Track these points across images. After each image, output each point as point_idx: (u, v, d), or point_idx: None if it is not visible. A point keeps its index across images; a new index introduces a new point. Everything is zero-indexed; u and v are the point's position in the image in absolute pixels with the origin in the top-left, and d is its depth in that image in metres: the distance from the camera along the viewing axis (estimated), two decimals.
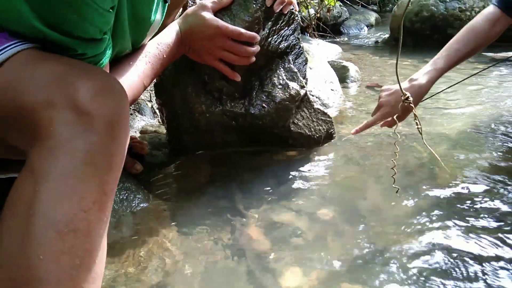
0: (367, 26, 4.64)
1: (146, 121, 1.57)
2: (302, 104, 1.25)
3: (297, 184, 1.12)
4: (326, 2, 2.74)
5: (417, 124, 0.91)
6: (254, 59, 1.07)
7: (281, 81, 1.19)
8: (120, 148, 0.57)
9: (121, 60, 0.88)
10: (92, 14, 0.60)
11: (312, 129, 1.27)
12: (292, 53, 1.24)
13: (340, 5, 3.73)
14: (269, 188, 1.10)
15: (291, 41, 1.21)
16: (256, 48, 1.06)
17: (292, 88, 1.19)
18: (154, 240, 0.89)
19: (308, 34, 3.05)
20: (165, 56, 0.96)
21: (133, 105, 1.60)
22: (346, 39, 3.86)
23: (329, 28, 3.58)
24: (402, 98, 0.86)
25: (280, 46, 1.19)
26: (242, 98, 1.18)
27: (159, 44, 0.96)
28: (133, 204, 0.98)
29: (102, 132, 0.53)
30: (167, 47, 0.96)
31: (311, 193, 1.07)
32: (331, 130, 1.32)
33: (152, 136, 1.39)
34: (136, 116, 1.58)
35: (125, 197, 0.98)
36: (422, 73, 1.20)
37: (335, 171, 1.18)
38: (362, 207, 1.01)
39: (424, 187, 1.07)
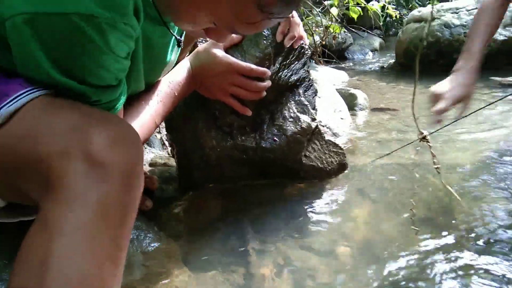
0: (372, 51, 4.67)
1: (155, 153, 1.56)
2: (313, 136, 1.24)
3: (310, 219, 1.10)
4: (332, 30, 2.77)
5: (434, 164, 0.89)
6: (265, 93, 1.06)
7: (292, 114, 1.18)
8: (134, 198, 0.56)
9: (133, 98, 0.88)
10: (109, 62, 0.60)
11: (324, 161, 1.25)
12: (302, 85, 1.24)
13: (344, 31, 3.77)
14: (281, 224, 1.08)
15: (301, 74, 1.21)
16: (267, 83, 1.06)
17: (304, 121, 1.18)
18: (166, 283, 0.86)
19: (314, 61, 3.07)
20: (176, 94, 0.96)
21: None
22: (351, 64, 3.88)
23: (334, 54, 3.61)
24: (419, 136, 0.84)
25: (290, 79, 1.19)
26: (253, 132, 1.18)
27: (170, 82, 0.96)
28: (143, 244, 0.96)
29: (116, 182, 0.53)
30: (179, 85, 0.97)
31: (325, 229, 1.05)
32: (344, 161, 1.31)
33: (162, 169, 1.38)
34: (145, 148, 1.57)
35: (135, 237, 0.96)
36: (463, 61, 1.20)
37: (349, 205, 1.15)
38: (379, 245, 0.98)
39: (441, 223, 1.04)
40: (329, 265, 0.91)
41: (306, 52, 1.21)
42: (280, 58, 1.15)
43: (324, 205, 1.16)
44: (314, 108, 1.24)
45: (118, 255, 0.53)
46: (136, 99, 0.89)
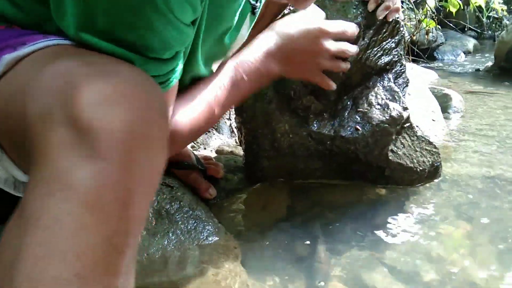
0: (464, 53, 4.26)
1: (223, 140, 1.47)
2: (403, 130, 1.07)
3: (391, 232, 0.94)
4: (425, 24, 2.51)
5: None
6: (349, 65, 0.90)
7: (379, 101, 1.02)
8: (143, 181, 0.40)
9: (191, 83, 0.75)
10: (162, 25, 0.48)
11: (415, 160, 1.07)
12: (393, 71, 1.06)
13: (437, 29, 3.45)
14: (356, 233, 0.93)
15: (393, 56, 1.04)
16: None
17: (394, 109, 1.01)
18: (220, 284, 0.76)
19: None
20: (247, 78, 0.78)
21: None
22: (440, 65, 3.55)
23: (423, 53, 3.32)
24: None
25: (380, 61, 1.02)
26: (331, 119, 1.03)
27: (238, 63, 0.78)
28: (201, 237, 0.86)
29: (111, 158, 0.37)
30: (250, 67, 0.78)
31: (408, 247, 0.88)
32: (438, 163, 1.11)
33: (228, 157, 1.28)
34: (214, 134, 1.49)
35: (193, 227, 0.87)
36: None
37: (438, 223, 0.97)
38: (473, 275, 0.80)
39: None
40: None
41: (401, 29, 1.03)
42: (371, 31, 0.99)
43: (408, 218, 1.00)
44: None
45: (114, 260, 0.38)
46: (193, 82, 0.75)
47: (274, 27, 0.83)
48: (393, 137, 1.03)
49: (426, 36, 2.86)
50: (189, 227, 0.87)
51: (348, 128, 1.01)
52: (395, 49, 1.04)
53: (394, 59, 1.05)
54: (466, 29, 4.83)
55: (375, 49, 1.01)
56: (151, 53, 0.50)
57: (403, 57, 1.08)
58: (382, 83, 1.04)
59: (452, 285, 0.77)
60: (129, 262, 0.41)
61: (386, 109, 1.01)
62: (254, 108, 1.04)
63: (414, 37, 2.70)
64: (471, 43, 4.49)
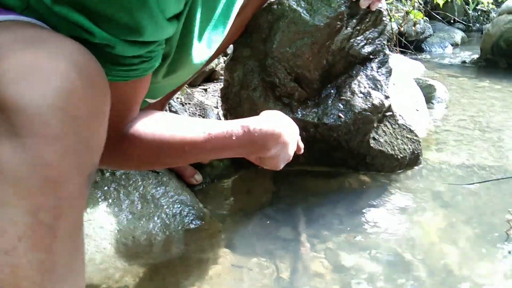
0: (452, 45, 4.29)
1: None
2: (384, 118, 1.09)
3: (372, 218, 0.96)
4: (413, 16, 2.53)
5: None
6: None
7: (362, 89, 1.04)
8: (67, 157, 0.38)
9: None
10: (141, 12, 0.46)
11: (396, 148, 1.10)
12: (376, 60, 1.08)
13: (425, 21, 3.47)
14: (339, 219, 0.96)
15: (376, 45, 1.06)
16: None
17: (376, 97, 1.04)
18: (204, 265, 0.78)
19: (388, 49, 2.86)
20: (210, 134, 0.67)
21: (198, 110, 1.52)
22: (428, 56, 3.58)
23: (410, 44, 3.35)
24: None
25: (363, 50, 1.04)
26: (315, 106, 1.05)
27: (245, 125, 0.72)
28: (186, 221, 0.88)
29: (32, 134, 0.36)
30: (217, 127, 0.69)
31: (388, 232, 0.91)
32: (418, 151, 1.14)
33: None
34: None
35: (178, 212, 0.88)
36: None
37: (418, 208, 1.00)
38: (452, 261, 0.83)
39: None
40: (390, 273, 0.78)
41: (384, 19, 1.05)
42: (354, 20, 1.01)
43: (389, 204, 1.02)
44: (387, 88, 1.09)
45: (46, 237, 0.36)
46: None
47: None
48: (375, 124, 1.06)
49: (413, 28, 2.88)
50: (174, 211, 0.88)
51: (331, 116, 1.03)
52: (378, 39, 1.06)
53: (377, 48, 1.06)
54: (452, 21, 4.86)
55: (359, 38, 1.03)
56: (119, 32, 0.48)
57: (386, 46, 1.10)
58: (365, 72, 1.06)
59: (429, 269, 0.79)
60: (72, 255, 0.39)
61: (368, 97, 1.03)
62: (239, 95, 1.05)
63: (402, 29, 2.72)
64: (458, 35, 4.53)
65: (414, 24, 2.71)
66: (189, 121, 0.70)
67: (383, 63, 1.09)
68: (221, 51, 1.03)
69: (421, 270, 0.80)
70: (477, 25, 5.56)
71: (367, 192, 1.06)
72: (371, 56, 1.07)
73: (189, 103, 1.55)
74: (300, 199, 1.03)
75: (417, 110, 1.51)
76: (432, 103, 1.77)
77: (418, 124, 1.46)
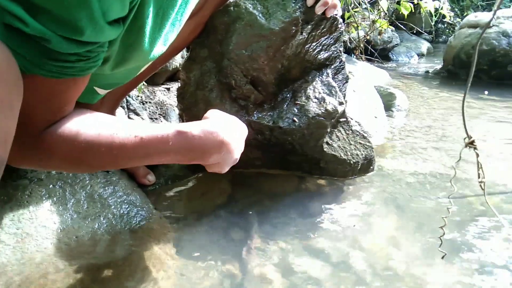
0: (418, 55, 4.42)
1: None
2: (338, 124, 1.11)
3: (324, 222, 0.97)
4: (379, 25, 2.59)
5: (479, 176, 0.74)
6: None
7: (316, 95, 1.05)
8: None
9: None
10: (78, 12, 0.45)
11: (349, 153, 1.12)
12: (332, 66, 1.10)
13: (392, 30, 3.56)
14: (291, 221, 0.96)
15: (331, 52, 1.08)
16: None
17: (329, 103, 1.05)
18: (149, 267, 0.76)
19: (355, 56, 2.90)
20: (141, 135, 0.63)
21: (159, 109, 1.50)
22: (394, 65, 3.67)
23: (377, 53, 3.42)
24: (466, 141, 0.69)
25: (319, 56, 1.05)
26: (271, 110, 1.06)
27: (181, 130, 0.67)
28: (133, 221, 0.86)
29: None
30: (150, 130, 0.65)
31: (339, 236, 0.92)
32: (371, 156, 1.16)
33: None
34: (161, 121, 1.48)
35: (126, 212, 0.86)
36: None
37: (370, 212, 1.02)
38: (397, 263, 0.84)
39: (475, 249, 0.89)
40: (337, 277, 0.79)
41: (340, 26, 1.07)
42: (309, 26, 1.02)
43: (342, 208, 1.03)
44: (344, 97, 1.10)
45: None
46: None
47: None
48: (328, 130, 1.07)
49: (379, 36, 2.95)
50: (121, 211, 0.86)
51: (286, 120, 1.04)
52: (334, 45, 1.07)
53: (333, 55, 1.08)
54: (415, 32, 4.99)
55: (314, 44, 1.04)
56: (57, 27, 0.46)
57: (342, 53, 1.11)
58: (320, 78, 1.07)
59: (378, 275, 0.81)
60: None
61: (322, 102, 1.04)
62: (195, 96, 1.04)
63: (368, 37, 2.78)
64: (425, 46, 4.67)
65: (380, 33, 2.77)
66: (122, 123, 0.64)
67: (340, 69, 1.10)
68: (179, 49, 1.02)
69: (368, 273, 0.81)
70: (444, 36, 5.75)
71: (322, 196, 1.07)
72: (327, 63, 1.08)
73: (149, 102, 1.52)
74: (255, 202, 1.03)
75: (376, 117, 1.54)
76: (392, 111, 1.81)
77: (375, 131, 1.49)
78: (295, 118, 1.03)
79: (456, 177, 1.18)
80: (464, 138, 0.69)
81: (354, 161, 1.12)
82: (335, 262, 0.84)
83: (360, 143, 1.13)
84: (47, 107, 0.52)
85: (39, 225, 0.78)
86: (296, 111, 1.04)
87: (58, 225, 0.79)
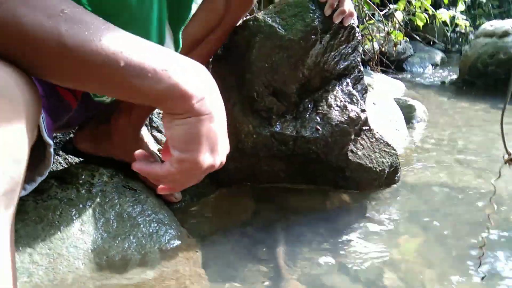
0: (432, 65, 4.40)
1: None
2: (361, 132, 1.11)
3: (352, 239, 0.96)
4: (393, 37, 2.59)
5: None
6: None
7: (338, 103, 1.06)
8: None
9: None
10: None
11: (374, 160, 1.11)
12: (351, 76, 1.10)
13: (405, 41, 3.55)
14: (318, 238, 0.95)
15: (350, 61, 1.08)
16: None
17: (352, 110, 1.05)
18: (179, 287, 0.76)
19: (369, 68, 2.90)
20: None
21: None
22: (409, 76, 3.66)
23: (392, 64, 3.41)
24: (506, 158, 0.67)
25: (338, 66, 1.06)
26: (293, 120, 1.06)
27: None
28: (162, 240, 0.86)
29: None
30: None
31: (367, 253, 0.91)
32: (396, 164, 1.15)
33: None
34: None
35: (155, 231, 0.87)
36: None
37: (397, 229, 1.00)
38: (427, 282, 0.82)
39: None
40: None
41: (357, 35, 1.07)
42: (327, 36, 1.02)
43: (369, 224, 1.02)
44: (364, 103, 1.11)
45: None
46: None
47: None
48: (352, 137, 1.07)
49: (394, 48, 2.94)
50: (150, 230, 0.86)
51: (309, 129, 1.04)
52: (352, 55, 1.08)
53: (351, 64, 1.09)
54: (432, 42, 4.99)
55: (332, 53, 1.05)
56: None
57: (360, 63, 1.12)
58: (341, 87, 1.08)
59: None
60: None
61: (344, 110, 1.05)
62: None
63: (383, 49, 2.77)
64: (438, 56, 4.64)
65: (395, 45, 2.77)
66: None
67: (358, 79, 1.11)
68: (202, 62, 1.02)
69: None
70: (457, 46, 5.72)
71: (348, 212, 1.06)
72: (346, 72, 1.09)
73: None
74: (281, 218, 1.02)
75: (397, 130, 1.53)
76: (412, 122, 1.79)
77: (397, 144, 1.48)
78: (318, 127, 1.03)
79: (488, 193, 1.16)
80: (503, 155, 0.67)
81: (380, 168, 1.11)
82: (364, 279, 0.83)
83: (384, 150, 1.13)
84: None
85: (70, 245, 0.79)
86: (319, 119, 1.04)
87: (89, 245, 0.79)
